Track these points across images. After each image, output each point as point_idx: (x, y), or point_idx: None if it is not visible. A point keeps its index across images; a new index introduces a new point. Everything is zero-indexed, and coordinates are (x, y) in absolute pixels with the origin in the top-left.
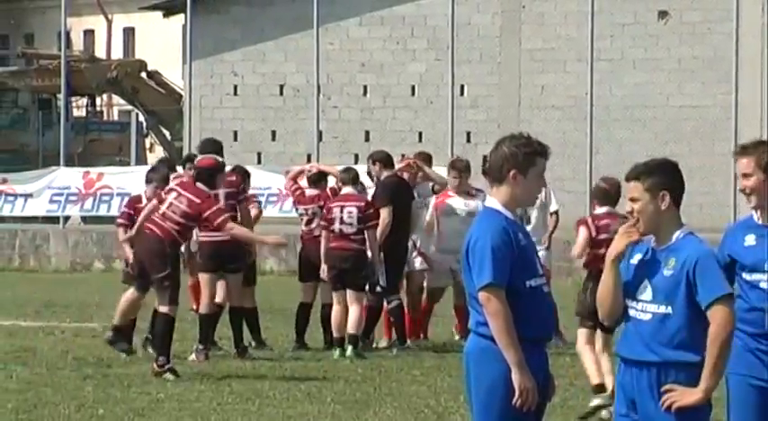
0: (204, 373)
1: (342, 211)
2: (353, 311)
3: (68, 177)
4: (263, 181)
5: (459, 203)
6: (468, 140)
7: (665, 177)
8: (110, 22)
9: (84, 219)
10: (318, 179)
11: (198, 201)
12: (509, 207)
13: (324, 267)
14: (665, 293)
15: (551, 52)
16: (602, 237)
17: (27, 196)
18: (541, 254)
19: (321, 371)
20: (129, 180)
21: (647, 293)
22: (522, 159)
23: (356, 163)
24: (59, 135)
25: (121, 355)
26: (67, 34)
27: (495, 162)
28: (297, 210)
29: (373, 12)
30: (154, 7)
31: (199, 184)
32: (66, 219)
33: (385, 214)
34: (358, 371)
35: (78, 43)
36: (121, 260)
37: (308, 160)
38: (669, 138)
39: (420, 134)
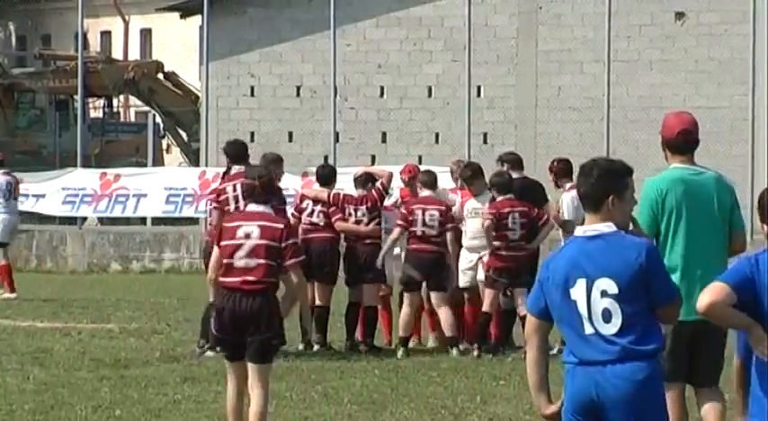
0: (222, 374)
1: (424, 214)
2: (443, 313)
3: (85, 178)
4: (281, 181)
5: (476, 204)
6: (485, 141)
7: None
8: (127, 24)
9: (101, 220)
10: (366, 181)
11: None
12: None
13: (404, 266)
14: None
15: (568, 53)
16: None
17: (39, 196)
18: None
19: (338, 372)
20: (145, 181)
21: None
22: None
23: (373, 164)
24: (76, 136)
25: (138, 356)
26: (84, 35)
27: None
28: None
29: (390, 13)
30: (171, 8)
31: None
32: (84, 220)
33: None
34: (375, 372)
35: (95, 44)
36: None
37: (326, 161)
38: None
39: (437, 135)
